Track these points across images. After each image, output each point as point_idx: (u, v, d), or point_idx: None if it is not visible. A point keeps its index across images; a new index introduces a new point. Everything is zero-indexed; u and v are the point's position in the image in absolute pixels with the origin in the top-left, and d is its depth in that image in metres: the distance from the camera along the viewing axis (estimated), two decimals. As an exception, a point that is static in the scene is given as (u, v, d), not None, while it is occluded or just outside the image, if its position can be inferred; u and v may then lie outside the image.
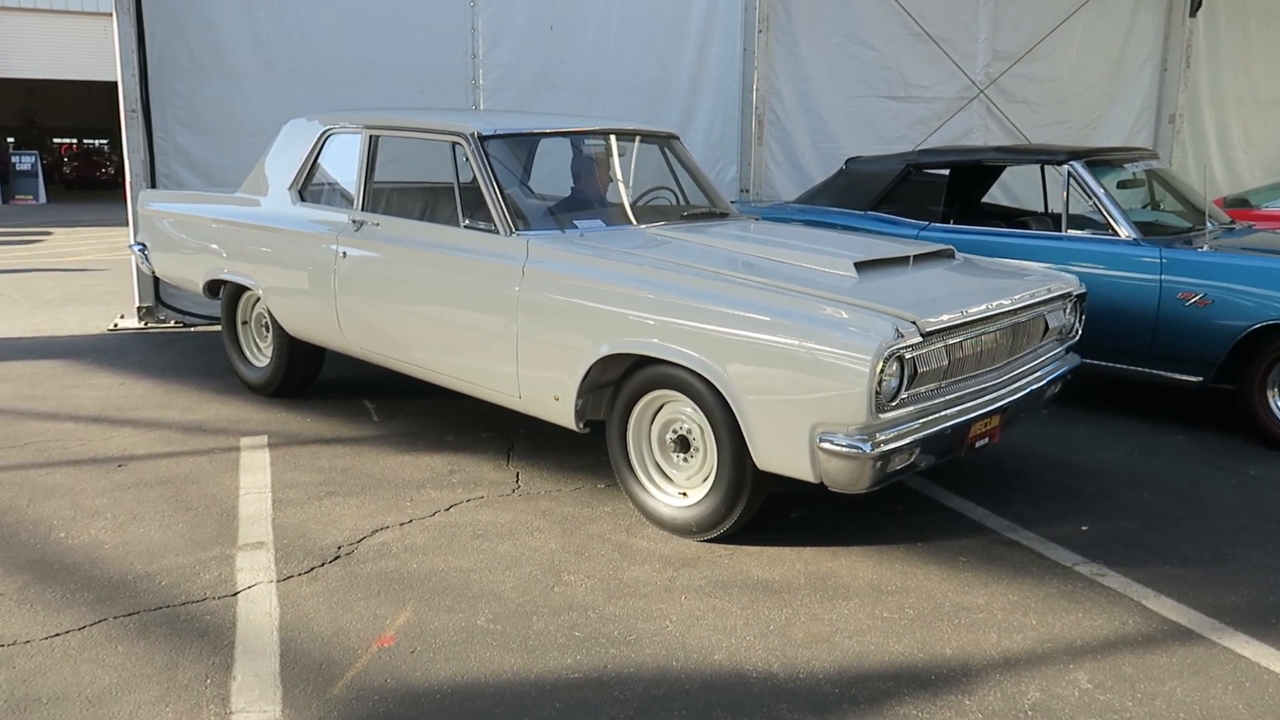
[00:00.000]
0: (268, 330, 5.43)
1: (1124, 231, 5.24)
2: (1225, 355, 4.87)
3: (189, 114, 7.16)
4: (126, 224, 7.30)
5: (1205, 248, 5.10)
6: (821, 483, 3.26)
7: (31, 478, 4.24)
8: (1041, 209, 6.64)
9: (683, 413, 3.66)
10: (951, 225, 5.92)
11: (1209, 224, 5.52)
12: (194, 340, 7.04)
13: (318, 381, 5.54)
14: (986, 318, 3.57)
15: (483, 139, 4.25)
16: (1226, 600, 3.31)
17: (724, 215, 4.88)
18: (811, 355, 3.18)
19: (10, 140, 28.28)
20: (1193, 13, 10.05)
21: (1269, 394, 4.89)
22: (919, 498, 4.17)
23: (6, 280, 10.13)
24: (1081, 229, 5.45)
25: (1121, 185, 5.60)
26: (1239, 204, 8.61)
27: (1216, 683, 2.81)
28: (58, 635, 2.96)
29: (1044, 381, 3.97)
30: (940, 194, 6.21)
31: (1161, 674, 2.85)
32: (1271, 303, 4.73)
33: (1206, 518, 4.05)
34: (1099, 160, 5.56)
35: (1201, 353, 4.95)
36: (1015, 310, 3.75)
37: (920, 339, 3.21)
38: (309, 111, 5.38)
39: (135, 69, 6.95)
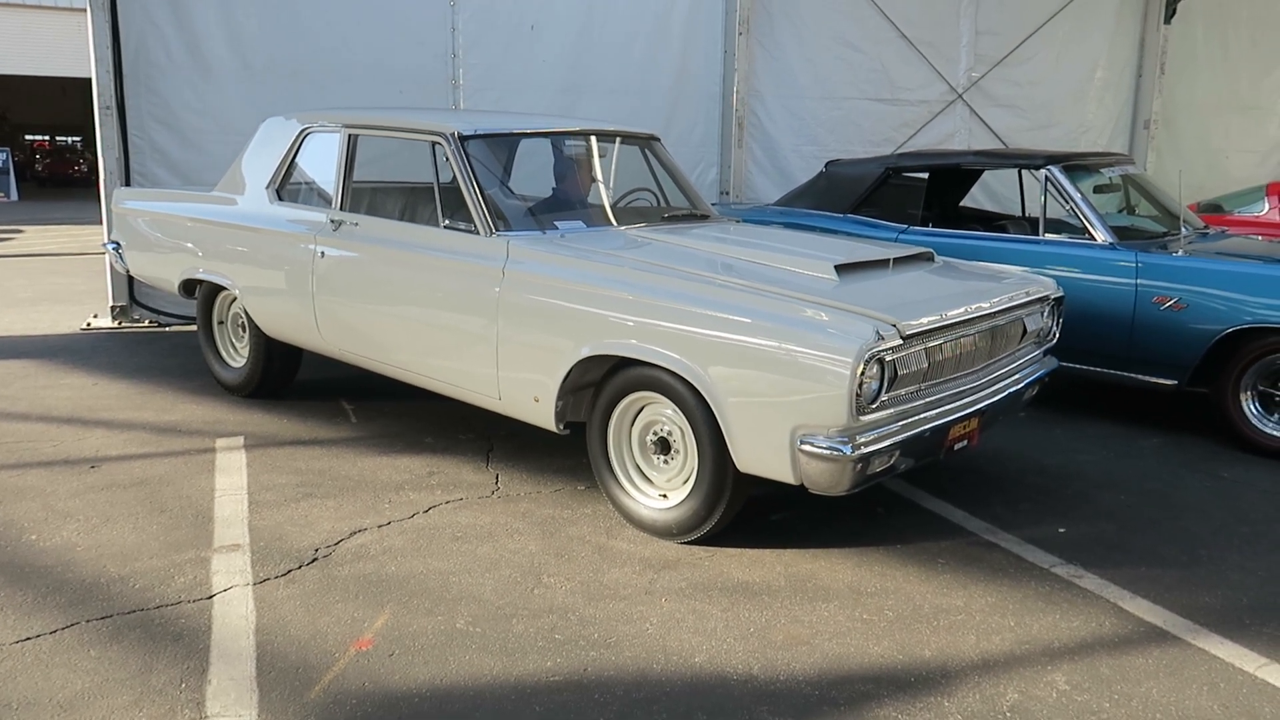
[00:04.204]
0: (244, 330, 5.37)
1: (1100, 236, 5.29)
2: (1200, 359, 4.92)
3: (165, 112, 7.09)
4: (100, 222, 7.21)
5: (1180, 252, 5.16)
6: (802, 485, 3.26)
7: (2, 479, 4.17)
8: (1019, 213, 6.70)
9: (663, 415, 3.66)
10: (930, 229, 5.95)
11: (1184, 229, 5.58)
12: (169, 340, 6.97)
13: (295, 382, 5.49)
14: (966, 321, 3.58)
15: (463, 139, 4.23)
16: (1201, 601, 3.34)
17: (704, 217, 4.88)
18: (792, 357, 3.18)
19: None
20: (1167, 20, 10.17)
21: (1242, 397, 4.94)
22: (898, 500, 4.19)
23: (-23, 278, 9.98)
24: (1058, 233, 5.49)
25: (1098, 190, 5.65)
26: (1213, 209, 8.71)
27: (1191, 683, 2.84)
28: (29, 639, 2.91)
29: (1022, 384, 4.00)
30: (919, 197, 6.24)
31: (1138, 675, 2.87)
32: (1245, 307, 4.79)
33: (1182, 520, 4.08)
34: (1076, 165, 5.61)
35: (1176, 356, 5.00)
36: (994, 314, 3.77)
37: (900, 341, 3.22)
38: (287, 111, 5.34)
39: (110, 65, 6.87)
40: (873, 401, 3.20)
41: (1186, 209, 6.13)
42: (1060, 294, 4.29)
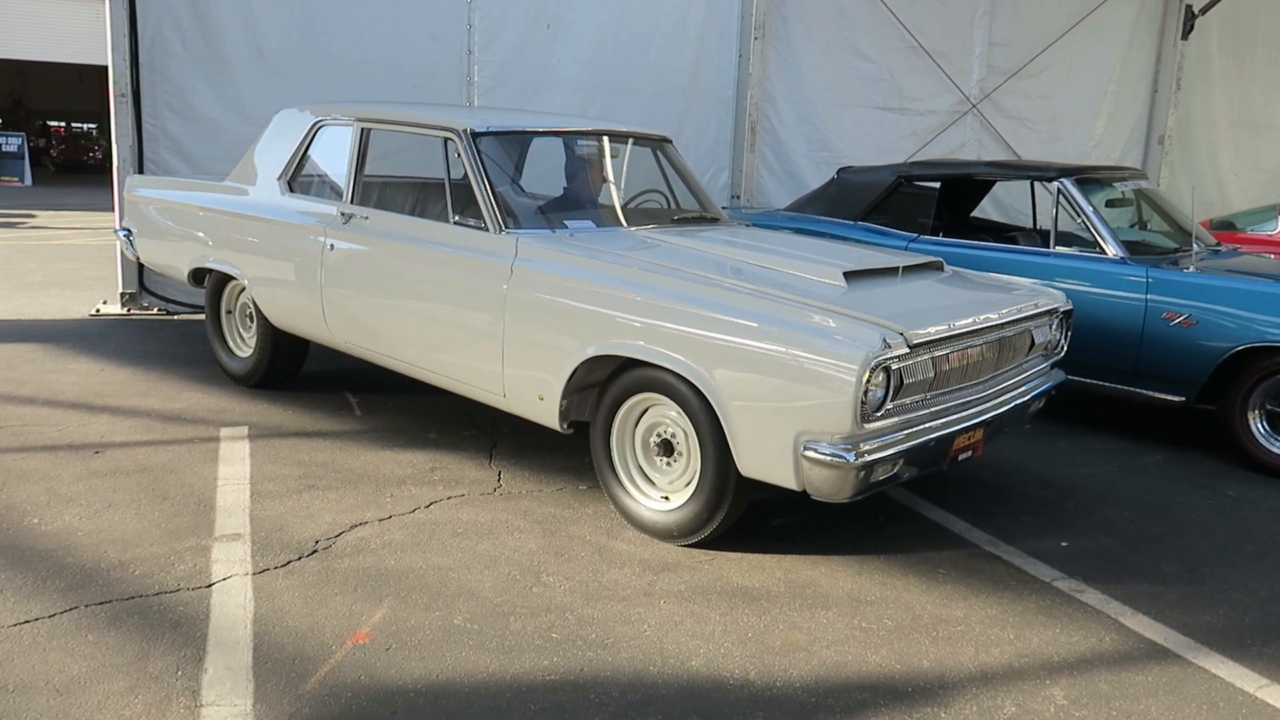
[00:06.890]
0: (252, 321, 5.39)
1: (1111, 250, 5.27)
2: (1208, 376, 4.90)
3: (179, 100, 7.11)
4: (112, 209, 7.23)
5: (1191, 269, 5.14)
6: (804, 491, 3.25)
7: (6, 462, 4.18)
8: (1030, 224, 6.68)
9: (667, 416, 3.65)
10: (941, 238, 5.94)
11: (1195, 245, 5.56)
12: (177, 328, 6.98)
13: (300, 374, 5.50)
14: (973, 331, 3.57)
15: (476, 135, 4.23)
16: (1203, 620, 3.32)
17: (714, 220, 4.88)
18: (798, 363, 3.18)
19: (-2, 121, 28.02)
20: (1184, 35, 10.14)
21: (1249, 416, 4.92)
22: (901, 508, 4.18)
23: (-12, 262, 10.02)
24: (1069, 246, 5.48)
25: (1110, 204, 5.63)
26: (1225, 227, 8.67)
27: (1191, 702, 2.82)
28: (27, 622, 2.92)
29: (1028, 396, 3.98)
30: (930, 206, 6.22)
31: (1137, 692, 2.86)
32: (1255, 325, 4.76)
33: (1185, 537, 4.06)
34: (1089, 178, 5.59)
35: (1185, 373, 4.98)
36: (1002, 325, 3.75)
37: (907, 350, 3.21)
38: (300, 103, 5.35)
39: (126, 53, 6.90)
40: (878, 409, 3.19)
41: (1199, 225, 6.11)
42: (1069, 307, 4.28)
